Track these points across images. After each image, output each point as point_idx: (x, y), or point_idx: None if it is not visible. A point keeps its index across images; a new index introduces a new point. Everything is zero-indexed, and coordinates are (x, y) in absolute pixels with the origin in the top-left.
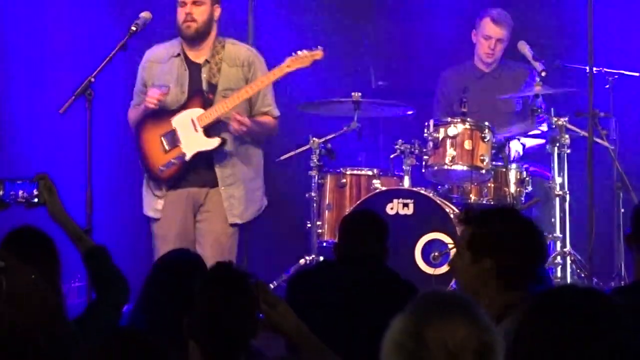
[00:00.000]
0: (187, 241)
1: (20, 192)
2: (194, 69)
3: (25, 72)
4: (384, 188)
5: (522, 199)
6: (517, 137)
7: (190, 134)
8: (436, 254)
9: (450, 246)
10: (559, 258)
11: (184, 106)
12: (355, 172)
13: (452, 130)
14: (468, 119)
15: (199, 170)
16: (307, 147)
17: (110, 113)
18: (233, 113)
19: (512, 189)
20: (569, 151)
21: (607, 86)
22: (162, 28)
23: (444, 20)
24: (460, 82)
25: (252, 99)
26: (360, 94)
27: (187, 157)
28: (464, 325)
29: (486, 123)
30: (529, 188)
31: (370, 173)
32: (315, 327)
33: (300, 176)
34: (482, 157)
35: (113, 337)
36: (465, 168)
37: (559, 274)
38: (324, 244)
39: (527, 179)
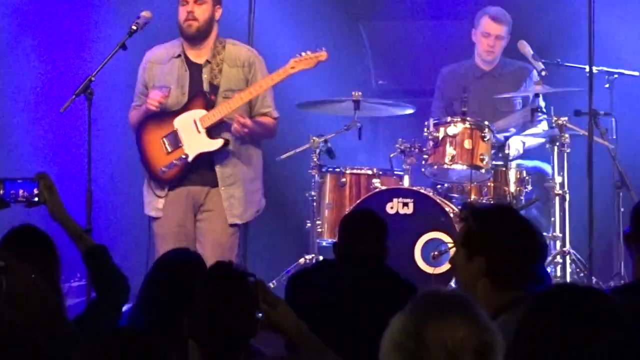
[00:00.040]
0: (187, 240)
1: (21, 192)
2: (194, 69)
3: (25, 72)
4: (383, 187)
5: (522, 198)
6: (516, 134)
7: (193, 135)
8: (436, 253)
9: (450, 245)
10: (558, 257)
11: (185, 107)
12: (355, 171)
13: (452, 130)
14: (468, 118)
15: (200, 170)
16: (307, 146)
17: (110, 112)
18: (235, 114)
19: (512, 188)
20: (568, 150)
21: (607, 85)
22: (162, 27)
23: (444, 20)
24: (460, 81)
25: (252, 100)
26: (360, 93)
27: (190, 159)
28: (463, 324)
29: (486, 122)
30: (529, 187)
31: (370, 172)
32: (315, 326)
33: (300, 175)
34: (482, 157)
35: (112, 337)
36: (465, 167)
37: (558, 274)
38: (324, 244)
39: (527, 178)
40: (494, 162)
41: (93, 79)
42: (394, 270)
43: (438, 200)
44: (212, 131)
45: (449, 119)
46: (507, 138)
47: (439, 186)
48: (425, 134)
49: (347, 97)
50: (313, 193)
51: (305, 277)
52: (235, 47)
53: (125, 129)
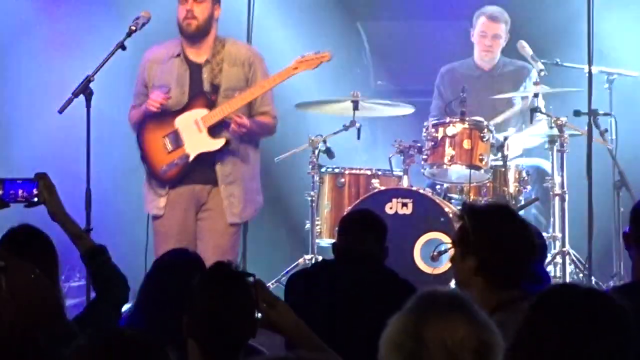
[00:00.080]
0: (188, 239)
1: (20, 192)
2: (194, 69)
3: (24, 72)
4: (382, 187)
5: (521, 198)
6: (516, 132)
7: (194, 135)
8: (435, 253)
9: (449, 245)
10: (558, 257)
11: (186, 107)
12: (354, 171)
13: (451, 130)
14: (467, 119)
15: (201, 169)
16: (306, 146)
17: (110, 112)
18: (233, 114)
19: (511, 188)
20: (568, 150)
21: (606, 86)
22: (161, 27)
23: (443, 20)
24: (459, 80)
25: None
26: (359, 93)
27: (191, 158)
28: (463, 324)
29: (485, 122)
30: (528, 187)
31: (369, 172)
32: (315, 326)
33: (299, 176)
34: (481, 157)
35: (111, 338)
36: (464, 167)
37: (558, 274)
38: (323, 244)
39: (526, 178)
40: (493, 162)
41: (92, 79)
42: (393, 271)
43: (437, 201)
44: (213, 131)
45: (448, 119)
46: (506, 138)
47: (438, 186)
48: (424, 134)
49: (346, 97)
50: (312, 193)
51: (304, 278)
52: (235, 46)
53: (126, 128)
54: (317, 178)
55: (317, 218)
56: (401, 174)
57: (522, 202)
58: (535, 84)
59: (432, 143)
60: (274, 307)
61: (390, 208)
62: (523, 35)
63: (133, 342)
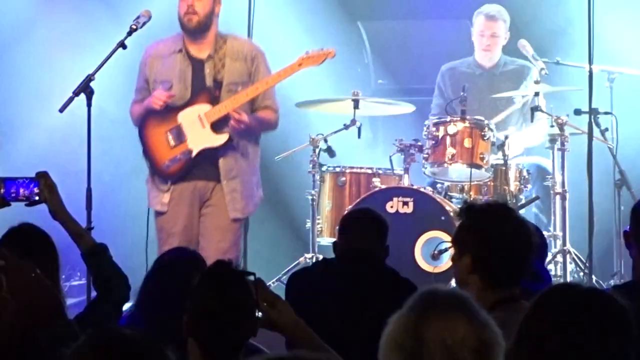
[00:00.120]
0: (192, 236)
1: (21, 190)
2: (196, 64)
3: (25, 71)
4: (383, 186)
5: (522, 197)
6: (517, 131)
7: (197, 130)
8: (436, 252)
9: (449, 243)
10: (558, 256)
11: (189, 102)
12: (354, 170)
13: (451, 129)
14: (468, 117)
15: (204, 165)
16: (307, 145)
17: (110, 112)
18: (231, 111)
19: (512, 187)
20: (568, 149)
21: (607, 84)
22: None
23: (443, 19)
24: (459, 79)
25: None
26: (360, 92)
27: (194, 153)
28: (463, 323)
29: (486, 121)
30: (529, 186)
31: (369, 171)
32: (315, 325)
33: (300, 174)
34: (481, 155)
35: (104, 338)
36: (465, 166)
37: (558, 272)
38: (324, 242)
39: (526, 177)
40: (493, 161)
41: (93, 78)
42: (394, 269)
43: (438, 199)
44: (217, 126)
45: (448, 118)
46: (507, 137)
47: (438, 185)
48: (425, 132)
49: (346, 96)
50: (313, 192)
51: (305, 276)
52: (237, 41)
53: (127, 127)
54: (317, 177)
55: (318, 217)
56: (402, 172)
57: (523, 201)
58: (536, 82)
59: (433, 142)
60: (275, 306)
61: (391, 207)
62: (524, 34)
63: (133, 342)
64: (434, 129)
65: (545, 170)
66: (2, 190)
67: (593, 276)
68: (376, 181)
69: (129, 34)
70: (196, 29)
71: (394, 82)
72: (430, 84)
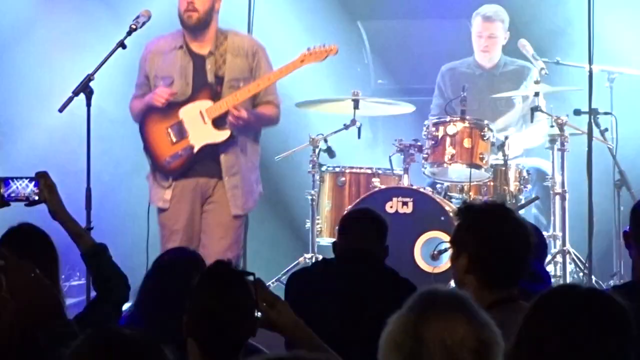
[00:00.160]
0: (193, 232)
1: (21, 190)
2: (197, 60)
3: (25, 71)
4: (383, 186)
5: (522, 197)
6: (517, 131)
7: (199, 126)
8: (435, 252)
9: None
10: (558, 257)
11: (191, 98)
12: (354, 170)
13: (451, 129)
14: (467, 117)
15: (206, 161)
16: (307, 145)
17: (110, 111)
18: (230, 107)
19: (512, 187)
20: (568, 149)
21: (607, 84)
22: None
23: (444, 18)
24: (459, 79)
25: None
26: (359, 92)
27: (195, 149)
28: (462, 324)
29: (486, 121)
30: (529, 186)
31: (369, 171)
32: (314, 325)
33: (299, 174)
34: (481, 156)
35: (103, 338)
36: (464, 166)
37: (558, 273)
38: (323, 243)
39: (526, 177)
40: (493, 161)
41: (92, 77)
42: (393, 269)
43: (437, 199)
44: (218, 122)
45: (448, 118)
46: (507, 137)
47: (438, 185)
48: (425, 133)
49: (346, 96)
50: (312, 192)
51: (304, 277)
52: (238, 37)
53: (127, 127)
54: (317, 177)
55: (318, 217)
56: (401, 172)
57: (523, 201)
58: (536, 82)
59: (433, 142)
60: (274, 307)
61: (391, 207)
62: (524, 34)
63: (132, 342)
64: (433, 129)
65: (545, 173)
66: (1, 190)
67: (593, 276)
68: (376, 181)
69: (129, 33)
70: (196, 26)
71: (393, 82)
72: (430, 84)
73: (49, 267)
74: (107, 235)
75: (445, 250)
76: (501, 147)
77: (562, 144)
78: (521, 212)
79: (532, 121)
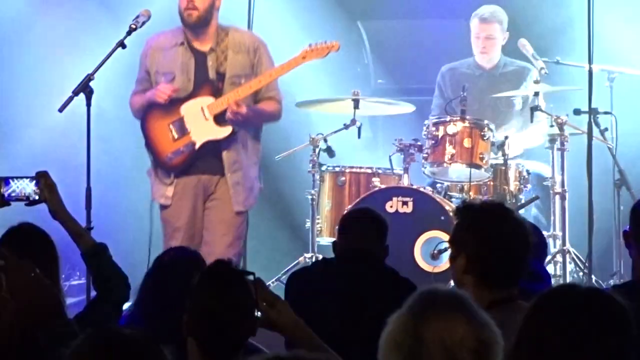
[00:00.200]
0: (196, 229)
1: (21, 190)
2: (199, 57)
3: (25, 71)
4: (383, 186)
5: (522, 197)
6: (516, 132)
7: (200, 122)
8: (435, 251)
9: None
10: (558, 256)
11: (192, 94)
12: (354, 170)
13: (451, 129)
14: (467, 117)
15: (208, 158)
16: (307, 145)
17: (110, 111)
18: (230, 103)
19: (512, 186)
20: (568, 149)
21: (607, 84)
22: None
23: (444, 18)
24: (459, 79)
25: None
26: (359, 91)
27: (197, 146)
28: (462, 324)
29: (486, 121)
30: (529, 186)
31: (369, 171)
32: (314, 325)
33: (300, 174)
34: (481, 155)
35: (103, 338)
36: (464, 166)
37: (558, 272)
38: (323, 242)
39: (526, 177)
40: (493, 161)
41: (92, 77)
42: (393, 269)
43: (437, 199)
44: (220, 119)
45: (448, 118)
46: (506, 137)
47: (438, 185)
48: (425, 132)
49: (346, 96)
50: (312, 192)
51: (304, 276)
52: (239, 33)
53: (127, 127)
54: (317, 176)
55: (318, 216)
56: (401, 172)
57: (523, 201)
58: (536, 82)
59: (433, 142)
60: (274, 306)
61: (391, 206)
62: (524, 33)
63: (132, 342)
64: (433, 128)
65: (544, 178)
66: (2, 190)
67: (592, 276)
68: (376, 181)
69: (129, 33)
70: (196, 23)
71: (393, 81)
72: (430, 84)
73: (49, 267)
74: (108, 233)
75: (445, 249)
76: (501, 146)
77: (562, 144)
78: (521, 211)
79: (532, 121)
